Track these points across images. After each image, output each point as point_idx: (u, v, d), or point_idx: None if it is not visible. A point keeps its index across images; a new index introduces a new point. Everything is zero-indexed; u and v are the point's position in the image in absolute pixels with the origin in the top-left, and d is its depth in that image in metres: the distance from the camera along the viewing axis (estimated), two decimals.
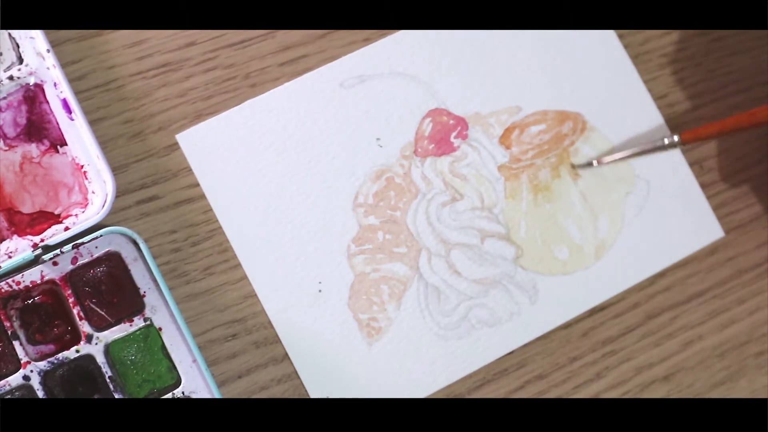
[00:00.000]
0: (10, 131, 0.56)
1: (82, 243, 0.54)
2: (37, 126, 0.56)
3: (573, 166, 0.60)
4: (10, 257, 0.54)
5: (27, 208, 0.55)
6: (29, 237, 0.54)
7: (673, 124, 0.62)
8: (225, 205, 0.57)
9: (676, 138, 0.58)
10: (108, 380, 0.54)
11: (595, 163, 0.60)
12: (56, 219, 0.55)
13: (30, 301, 0.54)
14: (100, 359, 0.54)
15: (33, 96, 0.56)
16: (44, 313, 0.54)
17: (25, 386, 0.53)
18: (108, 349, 0.54)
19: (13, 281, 0.54)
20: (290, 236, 0.58)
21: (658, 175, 0.62)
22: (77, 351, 0.54)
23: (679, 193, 0.62)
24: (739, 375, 0.61)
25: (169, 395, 0.54)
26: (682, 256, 0.61)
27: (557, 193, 0.61)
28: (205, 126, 0.58)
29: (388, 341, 0.58)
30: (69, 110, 0.55)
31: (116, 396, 0.54)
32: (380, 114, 0.60)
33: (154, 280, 0.54)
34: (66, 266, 0.54)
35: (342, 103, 0.59)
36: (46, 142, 0.56)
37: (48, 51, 0.55)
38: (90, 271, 0.54)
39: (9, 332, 0.53)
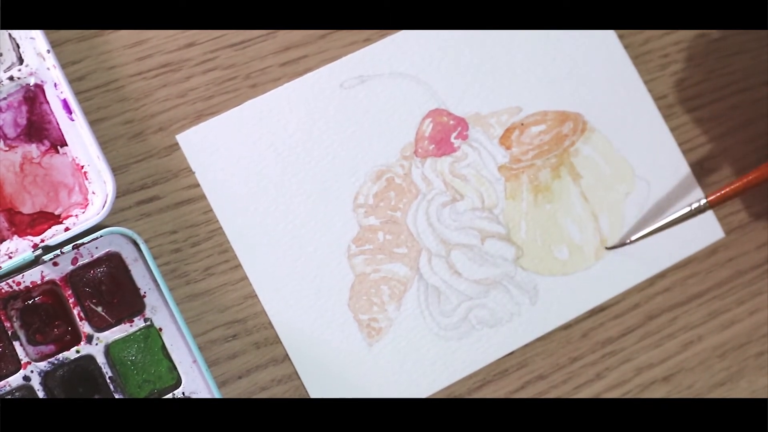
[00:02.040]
0: (11, 132, 0.56)
1: (83, 243, 0.54)
2: (37, 126, 0.56)
3: (606, 248, 0.60)
4: (10, 258, 0.54)
5: (27, 208, 0.55)
6: (29, 237, 0.54)
7: (674, 124, 0.62)
8: (225, 206, 0.57)
9: (703, 202, 0.58)
10: (108, 381, 0.54)
11: (628, 240, 0.60)
12: (56, 219, 0.55)
13: (30, 302, 0.54)
14: (101, 360, 0.54)
15: (33, 96, 0.56)
16: (44, 314, 0.54)
17: (26, 386, 0.53)
18: (108, 350, 0.54)
19: (14, 282, 0.54)
20: (290, 237, 0.58)
21: (658, 176, 0.62)
22: (77, 351, 0.54)
23: (680, 194, 0.62)
24: (740, 375, 0.61)
25: (169, 396, 0.54)
26: (682, 256, 0.61)
27: (557, 194, 0.61)
28: (206, 126, 0.58)
29: (389, 342, 0.58)
30: (69, 111, 0.55)
31: (116, 396, 0.54)
32: (380, 114, 0.60)
33: (155, 281, 0.54)
34: (66, 267, 0.54)
35: (342, 104, 0.59)
36: (47, 143, 0.56)
37: (48, 51, 0.55)
38: (90, 271, 0.54)
39: (9, 333, 0.53)
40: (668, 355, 0.60)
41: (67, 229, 0.54)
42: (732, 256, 0.62)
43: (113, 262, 0.55)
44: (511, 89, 0.61)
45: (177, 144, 0.58)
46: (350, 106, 0.59)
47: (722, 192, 0.58)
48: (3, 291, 0.53)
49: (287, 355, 0.57)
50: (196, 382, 0.54)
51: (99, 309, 0.54)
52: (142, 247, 0.54)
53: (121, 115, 0.57)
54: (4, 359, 0.53)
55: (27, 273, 0.54)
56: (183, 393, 0.54)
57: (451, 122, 0.60)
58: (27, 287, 0.54)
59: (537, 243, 0.60)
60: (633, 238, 0.60)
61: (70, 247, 0.54)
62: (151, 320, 0.55)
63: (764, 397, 0.60)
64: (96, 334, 0.54)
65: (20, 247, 0.54)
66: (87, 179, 0.55)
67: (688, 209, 0.58)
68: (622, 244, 0.60)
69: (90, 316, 0.54)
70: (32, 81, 0.55)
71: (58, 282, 0.54)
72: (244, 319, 0.57)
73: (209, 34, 0.59)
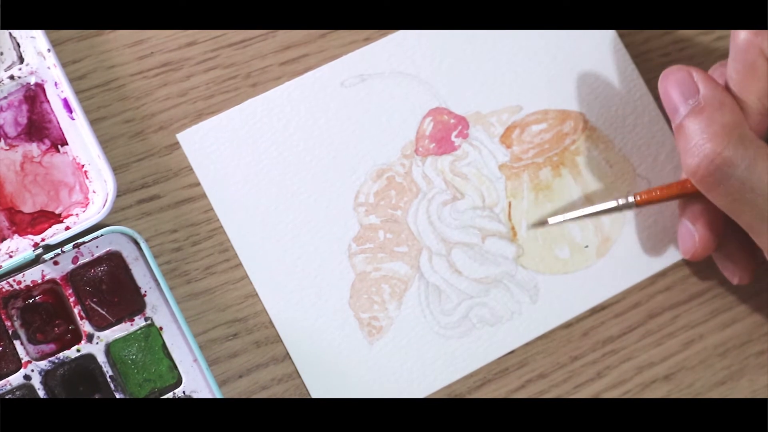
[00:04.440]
0: (11, 131, 0.56)
1: (83, 242, 0.54)
2: (37, 125, 0.56)
3: (529, 227, 0.60)
4: (10, 257, 0.54)
5: (28, 207, 0.55)
6: (30, 236, 0.54)
7: None
8: (226, 205, 0.57)
9: (630, 199, 0.58)
10: (109, 380, 0.54)
11: (549, 221, 0.60)
12: (57, 218, 0.55)
13: (31, 301, 0.54)
14: (101, 358, 0.54)
15: (34, 95, 0.56)
16: (45, 313, 0.54)
17: (26, 386, 0.53)
18: (109, 349, 0.54)
19: (14, 281, 0.54)
20: (291, 235, 0.58)
21: (659, 174, 0.62)
22: (78, 350, 0.54)
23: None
24: (740, 374, 0.61)
25: (169, 395, 0.54)
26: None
27: (558, 193, 0.61)
28: (206, 125, 0.58)
29: (389, 340, 0.58)
30: (70, 110, 0.55)
31: (117, 395, 0.54)
32: (381, 113, 0.60)
33: (155, 280, 0.55)
34: (67, 266, 0.54)
35: (343, 103, 0.59)
36: (47, 142, 0.56)
37: (49, 50, 0.55)
38: (91, 270, 0.54)
39: (10, 332, 0.53)
40: (669, 353, 0.60)
41: (67, 228, 0.54)
42: None
43: (114, 261, 0.55)
44: (511, 88, 0.61)
45: (177, 143, 0.58)
46: (351, 105, 0.59)
47: (651, 195, 0.58)
48: (3, 290, 0.54)
49: (288, 353, 0.57)
50: (196, 381, 0.54)
51: (99, 308, 0.54)
52: (143, 246, 0.54)
53: (121, 114, 0.57)
54: (5, 358, 0.53)
55: (27, 272, 0.54)
56: (183, 392, 0.54)
57: (452, 121, 0.60)
58: (27, 286, 0.54)
59: (538, 242, 0.60)
60: (552, 220, 0.59)
61: (70, 246, 0.54)
62: (151, 319, 0.55)
63: (764, 397, 0.60)
64: (96, 333, 0.54)
65: (21, 246, 0.54)
66: (87, 178, 0.55)
67: (615, 203, 0.59)
68: (542, 223, 0.60)
69: (90, 315, 0.54)
70: (33, 80, 0.55)
71: (59, 281, 0.54)
72: (244, 318, 0.57)
73: (209, 34, 0.59)
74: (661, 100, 0.57)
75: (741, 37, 0.54)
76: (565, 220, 0.59)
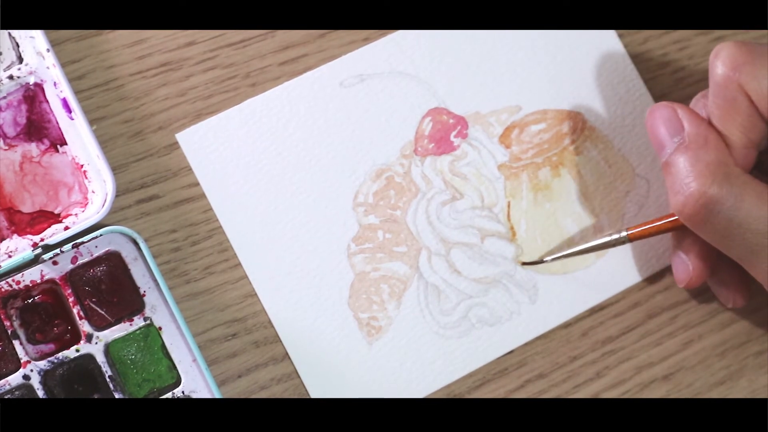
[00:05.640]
0: (10, 131, 0.56)
1: (82, 242, 0.54)
2: (37, 125, 0.56)
3: (523, 264, 0.60)
4: (10, 257, 0.54)
5: (27, 207, 0.55)
6: (29, 236, 0.54)
7: None
8: (225, 205, 0.57)
9: (623, 234, 0.58)
10: (108, 379, 0.54)
11: (544, 260, 0.60)
12: (56, 218, 0.55)
13: (30, 301, 0.54)
14: (100, 358, 0.54)
15: (33, 95, 0.56)
16: (44, 313, 0.54)
17: (25, 386, 0.53)
18: (108, 349, 0.54)
19: (13, 281, 0.54)
20: (290, 235, 0.58)
21: (658, 174, 0.62)
22: (77, 350, 0.54)
23: None
24: (740, 374, 0.61)
25: (169, 395, 0.54)
26: None
27: (557, 192, 0.61)
28: (205, 125, 0.58)
29: (388, 340, 0.58)
30: (69, 110, 0.55)
31: (116, 395, 0.54)
32: (380, 113, 0.60)
33: (154, 280, 0.55)
34: (66, 266, 0.54)
35: (342, 102, 0.59)
36: (46, 142, 0.56)
37: (48, 50, 0.55)
38: (90, 270, 0.54)
39: (9, 331, 0.53)
40: (668, 353, 0.60)
41: (66, 228, 0.54)
42: None
43: (113, 261, 0.55)
44: (510, 88, 0.61)
45: (177, 143, 0.58)
46: (350, 105, 0.59)
47: (642, 229, 0.58)
48: (3, 290, 0.53)
49: (287, 353, 0.57)
50: (195, 381, 0.54)
51: (99, 308, 0.54)
52: (142, 246, 0.54)
53: (120, 114, 0.57)
54: (4, 358, 0.53)
55: (27, 272, 0.54)
56: (183, 392, 0.54)
57: (451, 121, 0.60)
58: (27, 286, 0.54)
59: (537, 242, 0.60)
60: (548, 258, 0.59)
61: (69, 246, 0.54)
62: (150, 319, 0.55)
63: (764, 397, 0.60)
64: (96, 333, 0.54)
65: (20, 246, 0.54)
66: (87, 178, 0.55)
67: (608, 239, 0.58)
68: (538, 262, 0.60)
69: (90, 315, 0.54)
70: (32, 80, 0.55)
71: (58, 281, 0.54)
72: (243, 318, 0.57)
73: (208, 34, 0.59)
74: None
75: (719, 72, 0.54)
76: (559, 257, 0.59)
